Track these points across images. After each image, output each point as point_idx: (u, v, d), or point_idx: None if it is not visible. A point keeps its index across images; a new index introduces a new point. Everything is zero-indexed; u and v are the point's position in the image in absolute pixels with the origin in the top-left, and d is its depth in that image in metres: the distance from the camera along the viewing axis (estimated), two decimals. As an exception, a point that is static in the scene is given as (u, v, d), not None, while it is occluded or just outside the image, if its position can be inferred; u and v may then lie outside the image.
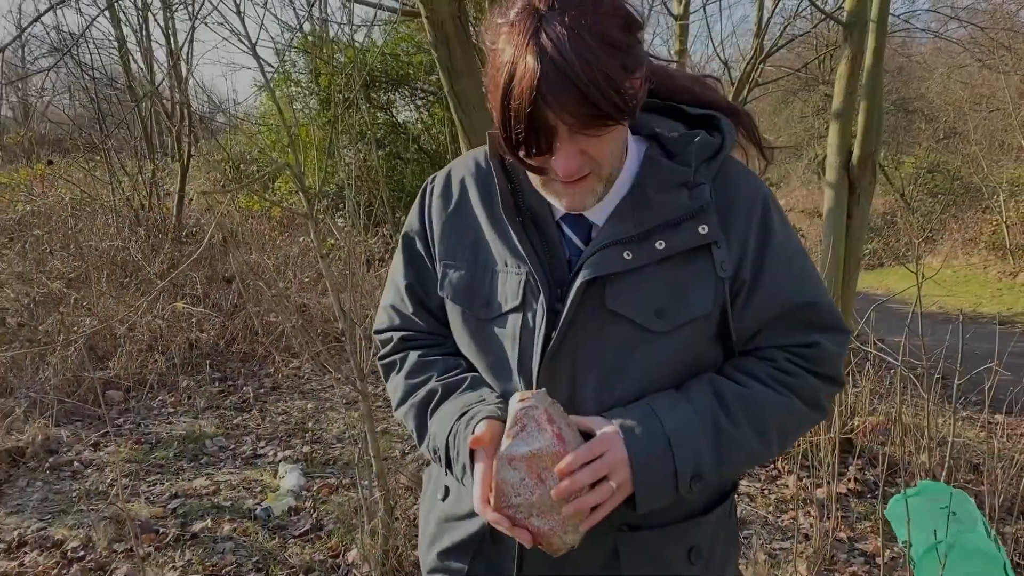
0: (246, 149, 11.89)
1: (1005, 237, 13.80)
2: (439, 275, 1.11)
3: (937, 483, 2.06)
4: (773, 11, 6.84)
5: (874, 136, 3.49)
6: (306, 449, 3.73)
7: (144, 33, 9.03)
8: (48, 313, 5.27)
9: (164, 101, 8.55)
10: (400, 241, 1.17)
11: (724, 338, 1.05)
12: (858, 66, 3.49)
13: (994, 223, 14.36)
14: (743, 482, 3.44)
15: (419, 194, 1.16)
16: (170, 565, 2.61)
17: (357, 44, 10.02)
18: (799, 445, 3.52)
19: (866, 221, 3.70)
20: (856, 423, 3.71)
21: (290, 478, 3.34)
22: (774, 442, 1.03)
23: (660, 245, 0.97)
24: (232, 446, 3.85)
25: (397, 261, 1.19)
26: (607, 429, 0.96)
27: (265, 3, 7.39)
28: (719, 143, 1.02)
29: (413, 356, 1.15)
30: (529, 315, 1.02)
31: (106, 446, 3.78)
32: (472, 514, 1.07)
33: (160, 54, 9.92)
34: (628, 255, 0.97)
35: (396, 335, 1.18)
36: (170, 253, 6.72)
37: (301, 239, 7.85)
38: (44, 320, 5.09)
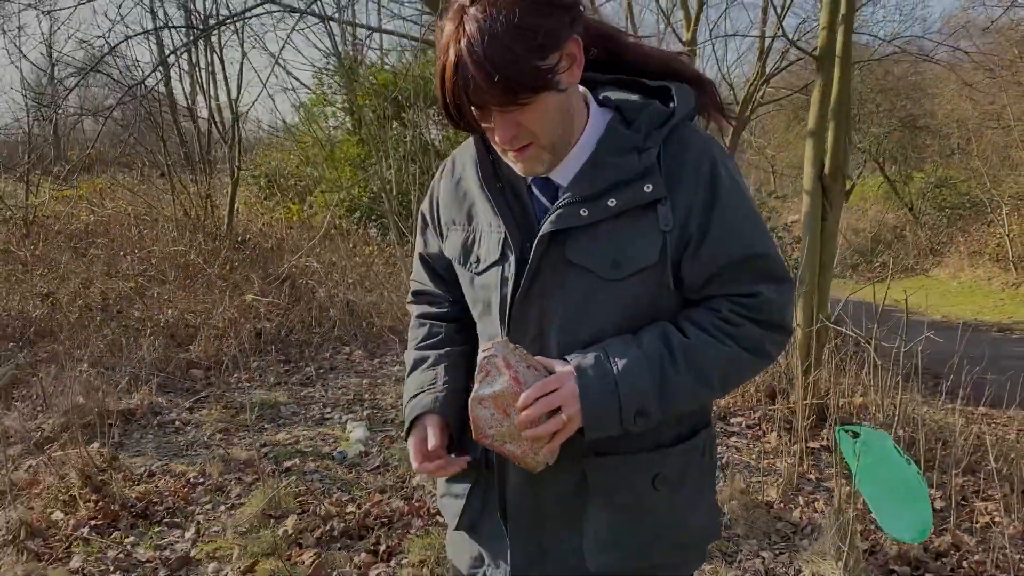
0: (284, 164, 12.69)
1: (1008, 249, 14.24)
2: (444, 238, 1.29)
3: (864, 426, 2.69)
4: (772, 40, 7.53)
5: (842, 151, 4.18)
6: (367, 413, 4.45)
7: (193, 61, 9.92)
8: (131, 305, 6.06)
9: (217, 123, 9.42)
10: (419, 218, 1.38)
11: (679, 287, 1.16)
12: (828, 93, 4.19)
13: (998, 236, 14.83)
14: (731, 439, 4.11)
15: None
16: (271, 485, 3.32)
17: (388, 67, 10.85)
18: (780, 411, 4.19)
19: (838, 223, 4.37)
20: (830, 394, 4.36)
21: (357, 432, 4.06)
22: (716, 386, 1.15)
23: (612, 203, 1.09)
24: (303, 411, 4.58)
25: (418, 235, 1.40)
26: (563, 368, 1.11)
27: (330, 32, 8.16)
28: (670, 111, 1.13)
29: (414, 324, 1.40)
30: (505, 267, 1.16)
31: (199, 410, 4.52)
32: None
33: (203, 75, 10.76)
34: (584, 212, 1.09)
35: (413, 298, 1.43)
36: (229, 257, 7.51)
37: (341, 246, 8.63)
38: (130, 311, 5.87)
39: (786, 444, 3.96)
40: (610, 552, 1.19)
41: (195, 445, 4.00)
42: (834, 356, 4.49)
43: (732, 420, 4.32)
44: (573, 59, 1.05)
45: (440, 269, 1.36)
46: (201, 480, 3.49)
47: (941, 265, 16.14)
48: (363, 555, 2.80)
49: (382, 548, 2.85)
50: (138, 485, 3.41)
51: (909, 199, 17.82)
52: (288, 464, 3.68)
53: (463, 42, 0.99)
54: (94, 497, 3.18)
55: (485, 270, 1.20)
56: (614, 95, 1.16)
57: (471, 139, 1.25)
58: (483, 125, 1.08)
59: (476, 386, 1.12)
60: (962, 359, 4.46)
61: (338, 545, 2.89)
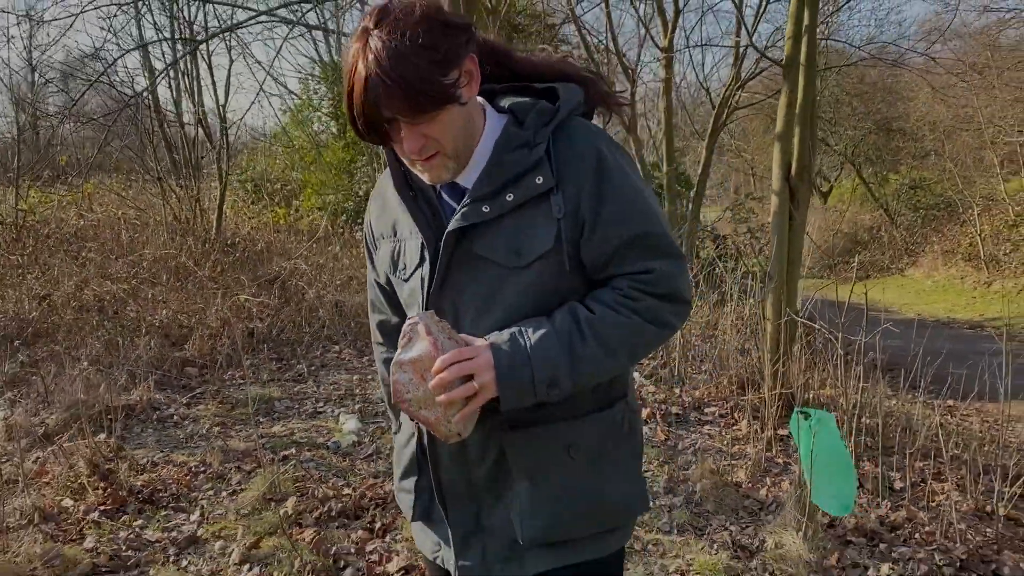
0: (270, 169, 12.85)
1: (980, 249, 14.61)
2: (376, 251, 1.38)
3: (815, 410, 2.92)
4: (746, 48, 7.80)
5: (807, 154, 4.43)
6: (358, 406, 4.64)
7: (182, 71, 10.06)
8: (125, 306, 6.21)
9: (205, 128, 9.57)
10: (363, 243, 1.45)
11: (582, 270, 1.23)
12: (795, 99, 4.43)
13: (970, 236, 15.20)
14: (704, 427, 4.34)
15: None
16: (271, 471, 3.51)
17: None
18: (750, 400, 4.42)
19: (804, 222, 4.61)
20: (796, 384, 4.60)
21: (350, 424, 4.25)
22: (622, 355, 1.22)
23: (510, 197, 1.17)
24: (296, 406, 4.77)
25: (368, 262, 1.45)
26: (479, 342, 1.18)
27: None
28: (556, 108, 1.22)
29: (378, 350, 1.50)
30: (423, 268, 1.25)
31: (196, 406, 4.70)
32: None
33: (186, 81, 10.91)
34: (486, 208, 1.17)
35: (372, 319, 1.50)
36: (219, 260, 7.68)
37: (329, 249, 8.82)
38: (125, 312, 6.03)
39: (756, 432, 4.19)
40: (534, 522, 1.25)
41: (194, 438, 4.18)
42: (805, 351, 4.74)
43: (706, 409, 4.56)
44: (471, 75, 1.16)
45: (384, 283, 1.41)
46: (202, 469, 3.67)
47: (916, 265, 16.50)
48: (360, 532, 3.00)
49: (377, 526, 3.06)
50: (143, 474, 3.59)
51: (884, 200, 18.21)
52: (285, 453, 3.87)
53: (371, 59, 1.07)
54: (102, 485, 3.35)
55: (411, 275, 1.29)
56: (508, 101, 1.25)
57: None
58: (391, 140, 1.16)
59: (399, 351, 1.18)
60: (924, 353, 4.72)
61: (336, 524, 3.09)
